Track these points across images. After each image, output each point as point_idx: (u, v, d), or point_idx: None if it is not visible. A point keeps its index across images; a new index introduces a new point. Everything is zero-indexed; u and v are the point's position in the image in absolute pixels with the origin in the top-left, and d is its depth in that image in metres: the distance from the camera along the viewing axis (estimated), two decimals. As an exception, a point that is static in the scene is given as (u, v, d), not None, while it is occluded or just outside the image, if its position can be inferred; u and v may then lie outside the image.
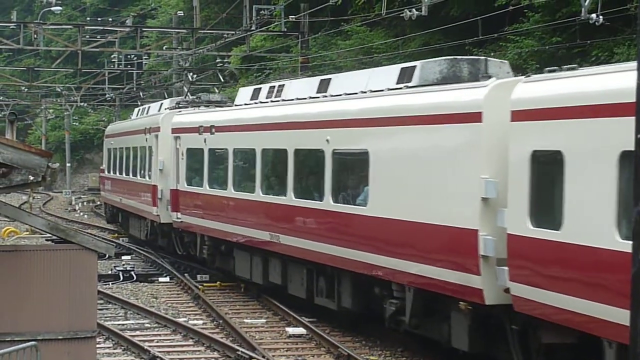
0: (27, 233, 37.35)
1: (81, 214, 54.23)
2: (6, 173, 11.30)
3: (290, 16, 35.53)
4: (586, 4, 20.44)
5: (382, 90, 17.16)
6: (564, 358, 13.18)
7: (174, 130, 27.47)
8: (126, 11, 70.02)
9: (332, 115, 18.44)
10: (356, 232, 17.21)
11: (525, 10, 27.43)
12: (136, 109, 40.24)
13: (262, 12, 35.34)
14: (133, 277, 27.54)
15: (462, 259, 14.20)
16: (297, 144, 19.68)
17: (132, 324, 20.75)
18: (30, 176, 11.09)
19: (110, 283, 26.63)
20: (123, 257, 31.95)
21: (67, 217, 49.65)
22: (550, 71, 13.28)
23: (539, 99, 12.92)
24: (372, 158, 16.69)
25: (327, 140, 18.19)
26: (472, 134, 14.11)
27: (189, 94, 32.95)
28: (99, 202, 58.89)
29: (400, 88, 16.61)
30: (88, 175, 78.03)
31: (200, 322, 20.91)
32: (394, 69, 17.43)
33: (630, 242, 6.29)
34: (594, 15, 20.66)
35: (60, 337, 11.70)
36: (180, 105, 30.34)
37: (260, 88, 23.46)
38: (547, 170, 12.73)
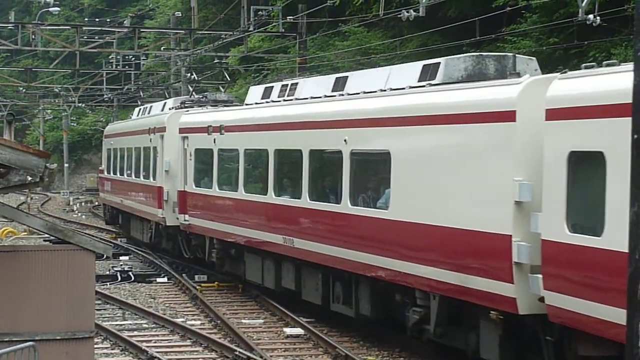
0: (25, 233, 37.34)
1: (79, 214, 54.21)
2: (4, 173, 11.31)
3: (288, 17, 35.54)
4: (583, 4, 20.45)
5: (403, 89, 16.47)
6: None
7: (182, 130, 26.74)
8: (124, 12, 70.01)
9: (350, 114, 17.68)
10: (376, 237, 16.44)
11: (523, 11, 27.46)
12: (137, 109, 39.65)
13: (260, 12, 35.37)
14: (131, 278, 27.53)
15: (493, 266, 13.48)
16: (313, 145, 18.97)
17: (130, 324, 20.76)
18: (28, 177, 11.10)
19: (108, 283, 26.62)
20: (121, 258, 31.93)
21: (65, 218, 49.63)
22: (587, 67, 12.66)
23: (577, 96, 12.17)
24: (393, 159, 15.96)
25: (345, 141, 17.45)
26: (504, 133, 13.41)
27: (194, 93, 32.22)
28: (97, 203, 58.88)
29: (423, 86, 15.92)
30: (86, 175, 78.01)
31: (198, 322, 20.91)
32: (416, 66, 16.72)
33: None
34: (591, 16, 20.70)
35: (58, 338, 11.71)
36: (186, 105, 29.68)
37: (272, 87, 22.67)
38: (587, 173, 12.04)
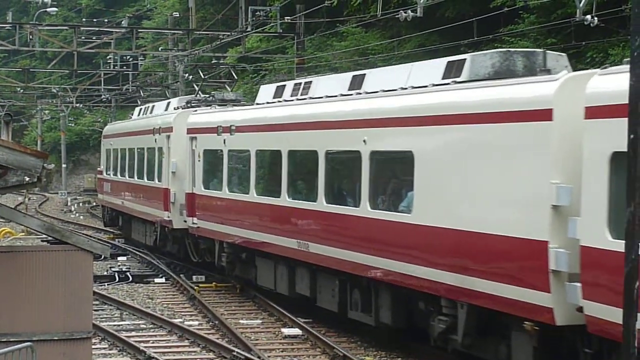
0: (23, 234, 37.34)
1: (77, 215, 54.19)
2: (2, 174, 11.32)
3: (285, 17, 35.57)
4: (581, 5, 20.48)
5: (426, 86, 15.76)
6: None
7: (190, 131, 25.88)
8: (122, 12, 70.03)
9: (369, 113, 16.83)
10: (398, 242, 15.70)
11: (521, 12, 27.49)
12: (137, 109, 38.70)
13: (258, 13, 35.38)
14: (129, 278, 27.52)
15: (528, 274, 12.76)
16: (329, 145, 18.18)
17: (128, 324, 20.75)
18: (25, 177, 11.11)
19: (106, 284, 26.62)
20: (119, 258, 31.92)
21: (62, 218, 49.61)
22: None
23: (620, 93, 11.03)
24: (417, 160, 15.17)
25: (364, 141, 16.68)
26: (540, 133, 12.67)
27: (200, 92, 31.48)
28: (94, 203, 58.89)
29: (448, 83, 15.23)
30: (84, 176, 78.02)
31: (196, 322, 20.91)
32: (439, 63, 15.98)
33: None
34: (588, 17, 20.73)
35: (56, 338, 11.72)
36: (193, 105, 28.85)
37: (284, 85, 21.88)
38: None
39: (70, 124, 76.86)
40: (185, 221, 26.18)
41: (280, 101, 21.39)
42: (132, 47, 39.74)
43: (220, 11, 46.62)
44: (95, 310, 20.31)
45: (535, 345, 13.01)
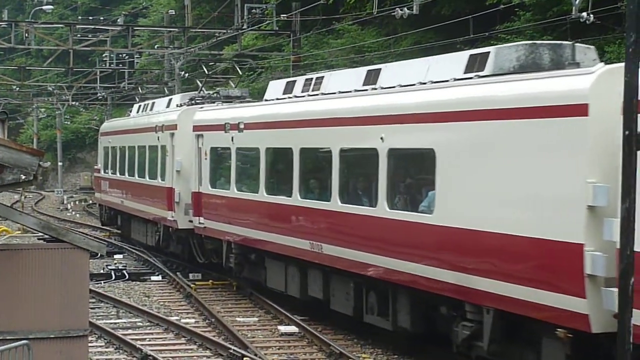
0: (19, 232, 37.31)
1: (73, 213, 54.18)
2: (-2, 172, 11.30)
3: (281, 15, 35.56)
4: (577, 2, 20.49)
5: (446, 81, 15.11)
6: None
7: (196, 128, 25.18)
8: (118, 10, 69.98)
9: (387, 109, 16.12)
10: (419, 244, 15.00)
11: (516, 9, 27.49)
12: (136, 106, 37.38)
13: (254, 10, 35.36)
14: (125, 276, 27.52)
15: (561, 279, 12.10)
16: (344, 143, 17.47)
17: (124, 322, 20.76)
18: (22, 175, 11.10)
19: (102, 282, 26.62)
20: (115, 256, 31.92)
21: (59, 216, 49.59)
22: None
23: None
24: (439, 158, 14.47)
25: (382, 138, 15.95)
26: (574, 129, 11.99)
27: (203, 89, 30.70)
28: (91, 201, 58.87)
29: (471, 78, 14.60)
30: (80, 174, 78.01)
31: (193, 320, 20.92)
32: (461, 57, 15.33)
33: None
34: (584, 14, 20.75)
35: (52, 336, 11.71)
36: (197, 102, 28.06)
37: (294, 81, 21.17)
38: None
39: (66, 122, 76.83)
40: (190, 221, 25.61)
41: (290, 97, 20.79)
42: (128, 45, 39.63)
43: (216, 9, 46.59)
44: (91, 308, 20.34)
45: (568, 353, 12.40)
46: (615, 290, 10.82)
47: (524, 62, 14.25)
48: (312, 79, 20.20)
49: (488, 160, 13.52)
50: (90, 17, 63.49)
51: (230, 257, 23.35)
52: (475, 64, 14.73)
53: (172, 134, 27.58)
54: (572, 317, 12.01)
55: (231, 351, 17.12)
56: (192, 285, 24.89)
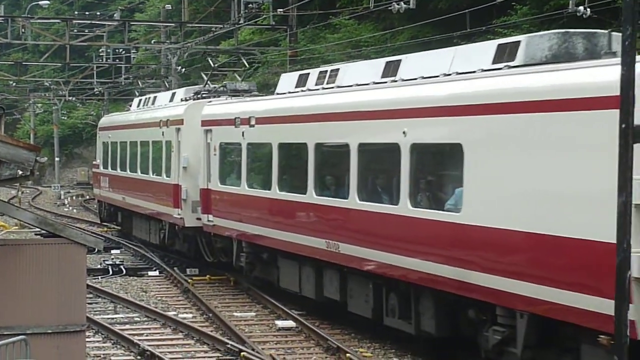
0: (16, 227, 37.31)
1: (70, 208, 54.17)
2: (-6, 167, 11.30)
3: (278, 9, 35.56)
4: (573, -4, 20.52)
5: (473, 72, 14.39)
6: None
7: (204, 123, 24.33)
8: (114, 5, 69.96)
9: (410, 102, 15.33)
10: (445, 244, 14.23)
11: (513, 3, 27.52)
12: (136, 100, 36.51)
13: (250, 5, 35.34)
14: (122, 271, 27.50)
15: (605, 282, 11.05)
16: (363, 138, 16.66)
17: (122, 317, 20.75)
18: (18, 171, 11.09)
19: (99, 277, 26.61)
20: (112, 251, 31.90)
21: (56, 212, 49.57)
22: None
23: None
24: (467, 153, 13.70)
25: (404, 133, 15.16)
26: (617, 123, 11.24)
27: (209, 82, 29.51)
28: (88, 197, 58.86)
29: (500, 68, 13.90)
30: (77, 169, 78.02)
31: (190, 315, 20.92)
32: (488, 47, 14.62)
33: None
34: (581, 8, 20.81)
35: (49, 331, 11.71)
36: (204, 95, 27.18)
37: (307, 74, 20.38)
38: None
39: (63, 117, 76.77)
40: (198, 218, 24.87)
41: (303, 90, 20.02)
42: (125, 40, 39.68)
43: (212, 3, 46.58)
44: (89, 303, 20.32)
45: None
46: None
47: (556, 51, 13.60)
48: (326, 71, 19.48)
49: (522, 155, 12.74)
50: (87, 12, 63.47)
51: (241, 256, 22.66)
52: (505, 54, 14.03)
53: (178, 129, 26.70)
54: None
55: (229, 346, 17.13)
56: (189, 281, 24.89)
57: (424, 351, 16.72)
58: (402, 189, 15.28)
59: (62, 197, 60.80)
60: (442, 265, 14.24)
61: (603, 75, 11.81)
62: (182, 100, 28.70)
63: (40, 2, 64.14)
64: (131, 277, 26.74)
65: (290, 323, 19.43)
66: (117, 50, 55.65)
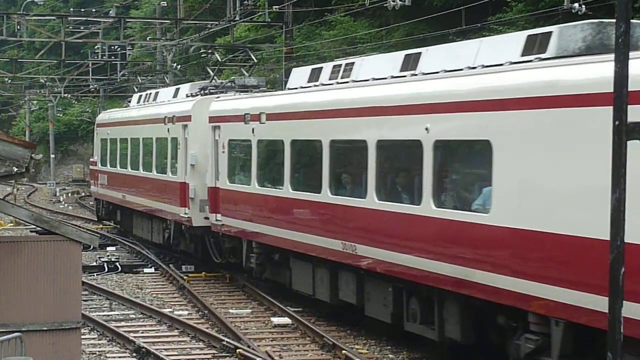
0: (12, 224, 37.29)
1: (65, 205, 54.14)
2: (-11, 164, 11.29)
3: (274, 6, 35.56)
4: (569, -7, 20.53)
5: (501, 65, 13.67)
6: None
7: (212, 119, 23.58)
8: (110, 2, 69.85)
9: (433, 97, 14.58)
10: (472, 246, 13.48)
11: (509, 0, 27.54)
12: (136, 95, 35.65)
13: (246, 2, 35.34)
14: (118, 268, 27.51)
15: None
16: (381, 134, 15.90)
17: (117, 314, 20.76)
18: (14, 167, 11.09)
19: (95, 274, 26.61)
20: (108, 248, 31.90)
21: (51, 209, 49.55)
22: None
23: None
24: (496, 150, 12.98)
25: (427, 129, 14.44)
26: None
27: (215, 77, 28.65)
28: (83, 194, 58.85)
29: (530, 61, 13.18)
30: (72, 166, 77.99)
31: (186, 312, 20.93)
32: (517, 38, 13.89)
33: None
34: (576, 5, 20.83)
35: (45, 328, 11.71)
36: (212, 91, 26.31)
37: (320, 68, 19.65)
38: None
39: (58, 114, 76.71)
40: (206, 218, 24.15)
41: (316, 85, 19.30)
42: (120, 37, 39.55)
43: (208, 0, 46.55)
44: (84, 300, 20.35)
45: None
46: None
47: (590, 42, 12.87)
48: (340, 65, 18.77)
49: (557, 152, 12.00)
50: (82, 9, 63.38)
51: (251, 257, 21.92)
52: (535, 46, 13.31)
53: (185, 126, 25.86)
54: None
55: (224, 343, 17.14)
56: (185, 277, 24.90)
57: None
58: (425, 188, 14.52)
59: (58, 194, 60.77)
60: (468, 269, 13.52)
61: None
62: (187, 96, 27.88)
63: (35, -1, 64.08)
64: (127, 274, 26.74)
65: (286, 320, 19.44)
66: (112, 47, 55.61)
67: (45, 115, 79.38)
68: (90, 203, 49.25)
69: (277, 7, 35.30)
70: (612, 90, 10.15)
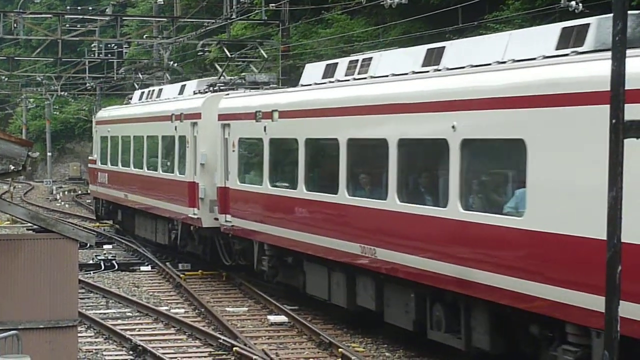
0: (8, 222, 37.26)
1: (62, 203, 54.09)
2: (-14, 162, 11.30)
3: (270, 4, 35.52)
4: (566, -9, 20.53)
5: (533, 59, 12.94)
6: None
7: (222, 117, 22.80)
8: (106, 0, 69.78)
9: (459, 93, 13.78)
10: (503, 252, 12.75)
11: (505, -2, 27.58)
12: (137, 92, 34.61)
13: (242, 0, 35.30)
14: (114, 266, 27.48)
15: None
16: (403, 133, 15.12)
17: (114, 313, 20.76)
18: (10, 165, 11.10)
19: (91, 272, 26.60)
20: (104, 246, 31.88)
21: (48, 207, 49.49)
22: None
23: None
24: (531, 150, 12.18)
25: (453, 127, 13.66)
26: None
27: (224, 74, 27.66)
28: (80, 192, 58.80)
29: (567, 54, 12.43)
30: (69, 164, 77.95)
31: (182, 310, 20.93)
32: (550, 30, 13.11)
33: None
34: (573, 3, 20.85)
35: (41, 326, 11.72)
36: (222, 88, 25.42)
37: (335, 64, 18.92)
38: None
39: (55, 112, 76.65)
40: (216, 219, 23.33)
41: (332, 81, 18.60)
42: (117, 35, 39.56)
43: (204, -2, 46.52)
44: (81, 298, 20.29)
45: None
46: None
47: (631, 35, 11.66)
48: (357, 60, 17.98)
49: (598, 152, 10.84)
50: (79, 7, 63.34)
51: (263, 260, 21.16)
52: (571, 39, 12.57)
53: (195, 124, 24.89)
54: None
55: (221, 341, 17.14)
56: (181, 276, 24.89)
57: (411, 344, 16.48)
58: (451, 189, 13.75)
59: (54, 192, 60.73)
60: (499, 275, 12.79)
61: None
62: (194, 93, 26.97)
63: (32, -3, 64.09)
64: (123, 272, 26.73)
65: (282, 318, 19.44)
66: (109, 45, 55.53)
67: (42, 113, 79.30)
68: (87, 201, 49.24)
69: (273, 5, 35.27)
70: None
